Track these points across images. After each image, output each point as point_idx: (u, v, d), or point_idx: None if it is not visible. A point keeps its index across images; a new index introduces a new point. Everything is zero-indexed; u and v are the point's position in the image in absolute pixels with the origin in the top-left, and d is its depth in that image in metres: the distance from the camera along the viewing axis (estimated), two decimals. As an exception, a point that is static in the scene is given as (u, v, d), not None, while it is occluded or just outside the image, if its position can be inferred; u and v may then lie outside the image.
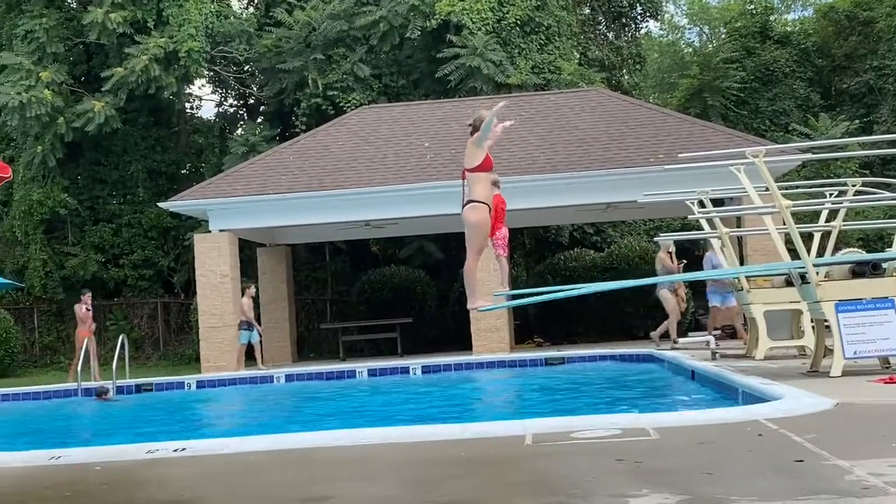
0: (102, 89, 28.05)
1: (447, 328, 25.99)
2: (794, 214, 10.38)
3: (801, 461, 5.21)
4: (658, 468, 5.43)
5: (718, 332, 20.28)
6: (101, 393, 15.76)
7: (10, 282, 27.89)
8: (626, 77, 35.50)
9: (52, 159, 27.94)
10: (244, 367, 20.25)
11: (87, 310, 20.65)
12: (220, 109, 35.65)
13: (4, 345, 26.47)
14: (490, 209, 9.17)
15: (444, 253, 27.77)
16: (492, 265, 11.86)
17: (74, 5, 30.98)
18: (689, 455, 5.82)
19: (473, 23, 27.74)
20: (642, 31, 38.90)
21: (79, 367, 17.70)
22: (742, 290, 13.64)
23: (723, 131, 22.42)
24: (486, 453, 6.40)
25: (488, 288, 17.47)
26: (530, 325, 26.03)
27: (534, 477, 5.45)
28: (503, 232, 11.10)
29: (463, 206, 9.14)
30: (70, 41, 29.39)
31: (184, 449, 7.00)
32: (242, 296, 21.07)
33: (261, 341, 21.24)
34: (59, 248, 29.86)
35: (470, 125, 9.17)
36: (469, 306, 9.74)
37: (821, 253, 13.17)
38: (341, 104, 28.31)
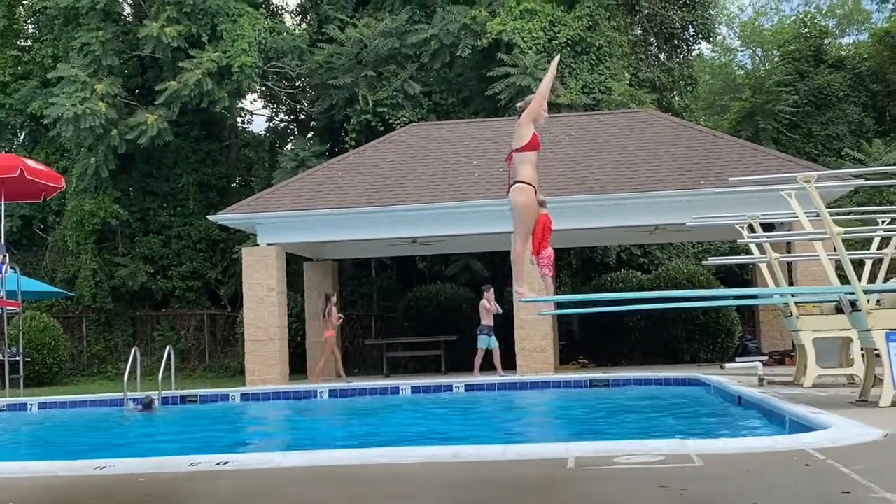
0: (156, 102, 28.42)
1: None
2: (845, 241, 10.24)
3: (849, 493, 5.12)
4: (702, 496, 5.36)
5: (766, 357, 20.10)
6: (147, 404, 15.85)
7: (61, 290, 28.31)
8: (677, 99, 35.33)
9: (104, 170, 28.31)
10: (479, 373, 20.13)
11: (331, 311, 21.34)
12: (271, 124, 35.97)
13: (53, 353, 26.78)
14: (536, 190, 9.09)
15: (490, 271, 27.73)
16: (538, 284, 11.82)
17: (130, 19, 31.46)
18: (734, 483, 5.74)
19: (524, 42, 27.77)
20: (694, 53, 38.71)
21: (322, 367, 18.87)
22: (791, 315, 13.47)
23: (774, 155, 22.23)
24: (529, 475, 6.36)
25: (533, 307, 17.47)
26: (575, 346, 25.91)
27: (576, 501, 5.40)
28: (549, 252, 11.05)
29: (509, 188, 9.09)
30: (125, 54, 29.81)
31: (226, 462, 7.02)
32: (481, 298, 20.95)
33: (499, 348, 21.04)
34: (110, 258, 30.23)
35: (520, 107, 9.17)
36: (516, 289, 9.68)
37: (872, 280, 12.99)
38: (391, 121, 28.44)
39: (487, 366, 20.90)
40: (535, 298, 10.91)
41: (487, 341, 20.66)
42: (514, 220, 9.06)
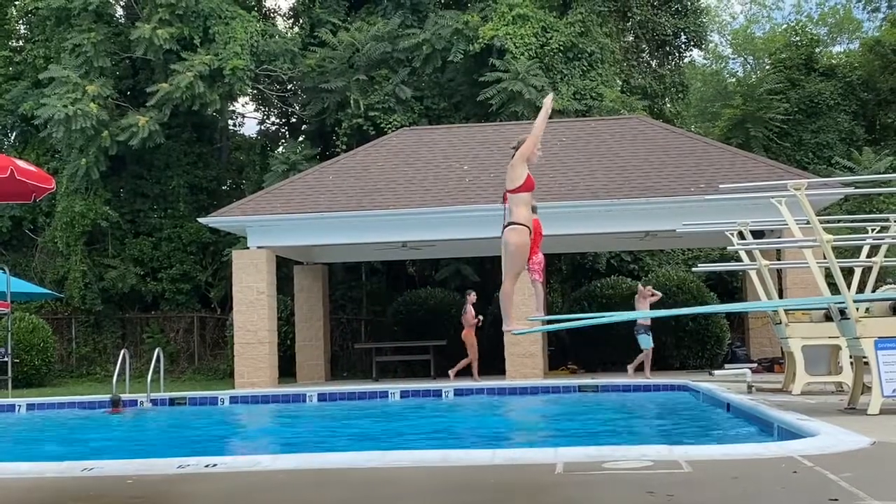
0: (147, 104, 28.37)
1: (481, 352, 25.84)
2: (834, 249, 10.27)
3: (836, 500, 5.13)
4: (690, 502, 5.37)
5: (755, 364, 20.16)
6: (115, 402, 15.83)
7: (50, 291, 28.23)
8: (669, 105, 35.41)
9: (95, 172, 28.23)
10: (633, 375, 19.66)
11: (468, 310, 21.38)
12: (263, 127, 35.94)
13: (42, 354, 26.69)
14: (531, 232, 9.13)
15: (480, 276, 27.74)
16: (527, 290, 11.83)
17: (123, 21, 31.39)
18: (722, 490, 5.75)
19: (516, 47, 27.80)
20: (686, 60, 38.79)
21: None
22: (780, 323, 13.50)
23: (765, 163, 22.28)
24: (517, 480, 6.36)
25: (524, 312, 17.46)
26: (565, 352, 25.93)
27: (564, 506, 5.41)
28: (539, 257, 11.05)
29: (503, 228, 9.10)
30: (117, 56, 29.75)
31: (215, 465, 7.01)
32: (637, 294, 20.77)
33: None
34: (99, 259, 30.13)
35: (514, 147, 9.16)
36: (504, 328, 9.70)
37: (861, 288, 13.03)
38: (382, 125, 28.44)
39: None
40: (524, 331, 10.95)
41: (649, 340, 20.23)
42: (506, 260, 9.07)
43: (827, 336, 12.71)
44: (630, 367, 20.05)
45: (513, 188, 9.02)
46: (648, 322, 20.03)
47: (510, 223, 9.01)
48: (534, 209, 10.50)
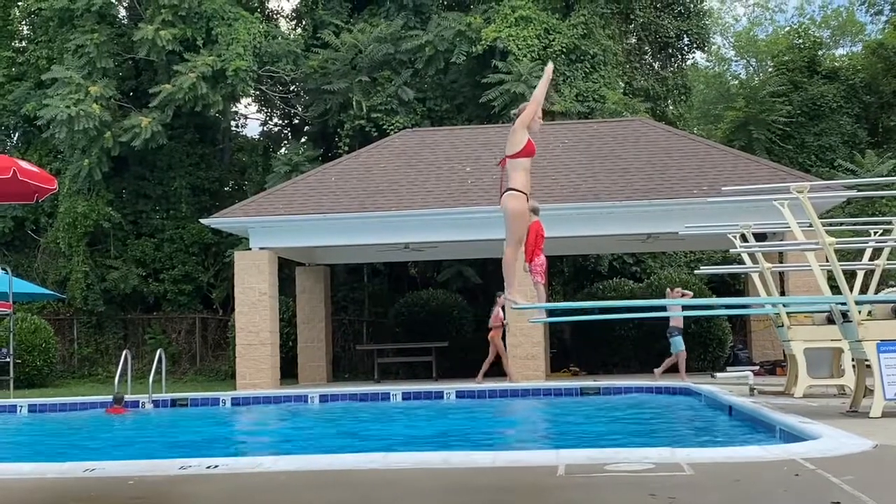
0: (150, 105, 28.38)
1: (483, 353, 25.88)
2: (837, 252, 10.26)
3: (838, 503, 5.13)
4: (692, 505, 5.36)
5: (757, 367, 20.14)
6: (118, 400, 15.85)
7: (52, 292, 28.24)
8: (671, 108, 35.39)
9: (97, 173, 28.25)
10: (661, 377, 19.40)
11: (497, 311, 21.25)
12: (265, 128, 35.95)
13: (44, 354, 26.70)
14: (528, 197, 9.09)
15: (481, 278, 27.74)
16: (529, 292, 11.82)
17: (125, 22, 31.42)
18: (724, 492, 5.74)
19: (519, 49, 27.80)
20: (688, 63, 38.76)
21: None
22: (782, 326, 13.49)
23: (767, 165, 22.27)
24: (518, 482, 6.36)
25: (525, 312, 17.49)
26: (567, 354, 25.91)
27: (566, 508, 5.40)
28: (541, 259, 11.06)
29: (501, 194, 9.09)
30: (120, 57, 29.78)
31: (217, 466, 7.01)
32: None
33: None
34: (102, 260, 30.14)
35: (515, 115, 9.17)
36: (506, 296, 9.66)
37: (863, 291, 13.02)
38: (385, 126, 28.44)
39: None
40: (528, 305, 10.89)
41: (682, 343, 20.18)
42: (506, 227, 9.06)
43: (829, 339, 12.70)
44: (658, 371, 19.88)
45: (512, 153, 9.02)
46: (681, 324, 20.07)
47: (508, 189, 9.00)
48: (536, 211, 10.51)
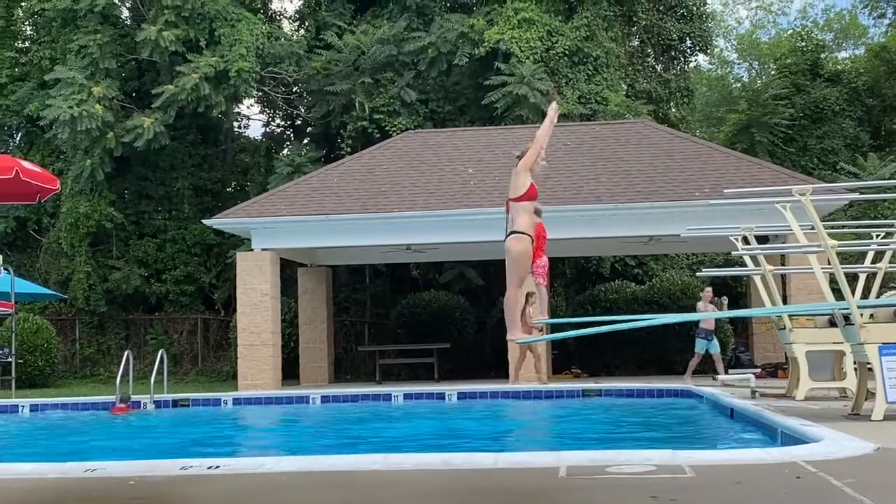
0: (152, 106, 28.40)
1: (484, 355, 25.95)
2: (839, 254, 10.26)
3: (840, 506, 5.12)
4: (693, 507, 5.36)
5: (759, 369, 20.12)
6: (124, 399, 15.87)
7: (54, 292, 28.26)
8: (674, 110, 35.39)
9: (100, 173, 28.28)
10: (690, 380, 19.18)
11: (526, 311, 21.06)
12: (268, 129, 35.96)
13: (45, 355, 26.72)
14: (533, 240, 9.15)
15: (484, 279, 27.75)
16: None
17: (129, 22, 31.44)
18: (725, 495, 5.74)
19: (522, 51, 27.81)
20: (691, 65, 38.75)
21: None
22: (784, 328, 13.48)
23: (769, 168, 22.27)
24: (520, 484, 6.35)
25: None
26: (568, 356, 25.91)
27: (567, 510, 5.40)
28: (543, 261, 11.06)
29: (506, 236, 9.13)
30: (123, 57, 29.81)
31: (218, 466, 7.00)
32: (699, 301, 20.68)
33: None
34: (104, 261, 30.16)
35: (517, 157, 9.17)
36: (508, 337, 9.68)
37: (865, 294, 13.01)
38: (387, 128, 28.46)
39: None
40: (529, 339, 10.96)
41: (706, 345, 20.13)
42: (509, 268, 9.10)
43: (831, 342, 12.68)
44: (687, 376, 19.81)
45: (515, 196, 9.06)
46: (712, 326, 20.08)
47: (512, 232, 9.04)
48: (538, 212, 10.51)
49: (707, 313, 19.77)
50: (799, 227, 12.05)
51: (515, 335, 9.50)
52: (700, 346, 20.12)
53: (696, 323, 20.56)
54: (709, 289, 21.02)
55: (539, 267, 10.97)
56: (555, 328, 19.39)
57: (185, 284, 30.36)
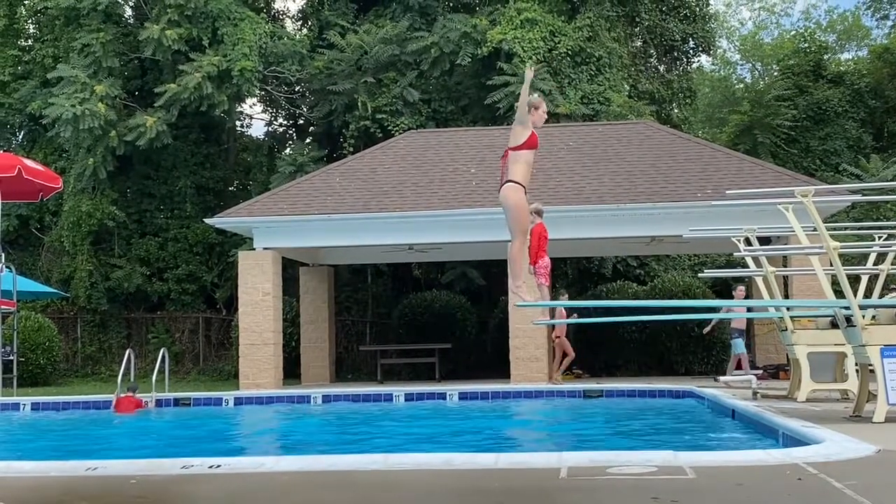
0: (155, 105, 28.40)
1: (486, 355, 25.93)
2: (841, 256, 10.25)
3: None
4: (694, 508, 5.36)
5: (760, 371, 20.09)
6: (132, 389, 15.93)
7: (56, 291, 28.27)
8: (676, 111, 35.37)
9: (102, 172, 28.29)
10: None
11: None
12: (270, 129, 35.96)
13: (47, 353, 26.72)
14: (526, 191, 9.15)
15: (486, 279, 27.74)
16: (532, 292, 11.81)
17: (131, 21, 31.45)
18: (726, 496, 5.74)
19: (524, 51, 27.80)
20: (694, 66, 38.75)
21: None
22: (786, 330, 13.48)
23: (772, 169, 22.25)
24: (521, 484, 6.35)
25: (531, 312, 17.51)
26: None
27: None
28: (545, 261, 11.06)
29: (500, 186, 9.15)
30: (125, 56, 29.81)
31: (219, 466, 7.01)
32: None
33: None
34: (106, 259, 30.18)
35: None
36: (512, 288, 9.68)
37: (867, 296, 13.00)
38: (389, 128, 28.45)
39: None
40: (532, 304, 10.88)
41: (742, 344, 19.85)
42: (508, 219, 9.13)
43: (833, 343, 12.68)
44: (728, 378, 19.72)
45: (514, 145, 9.08)
46: (743, 325, 20.03)
47: (508, 180, 9.07)
48: (539, 213, 10.53)
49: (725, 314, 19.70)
50: (801, 228, 12.04)
51: (521, 289, 9.47)
52: (738, 346, 19.92)
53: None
54: (741, 287, 20.94)
55: (541, 268, 10.98)
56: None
57: (186, 283, 30.36)
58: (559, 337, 21.40)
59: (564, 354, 21.55)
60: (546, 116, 9.44)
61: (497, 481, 6.40)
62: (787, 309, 13.69)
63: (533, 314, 16.55)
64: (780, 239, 18.30)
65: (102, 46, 28.42)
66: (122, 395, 15.82)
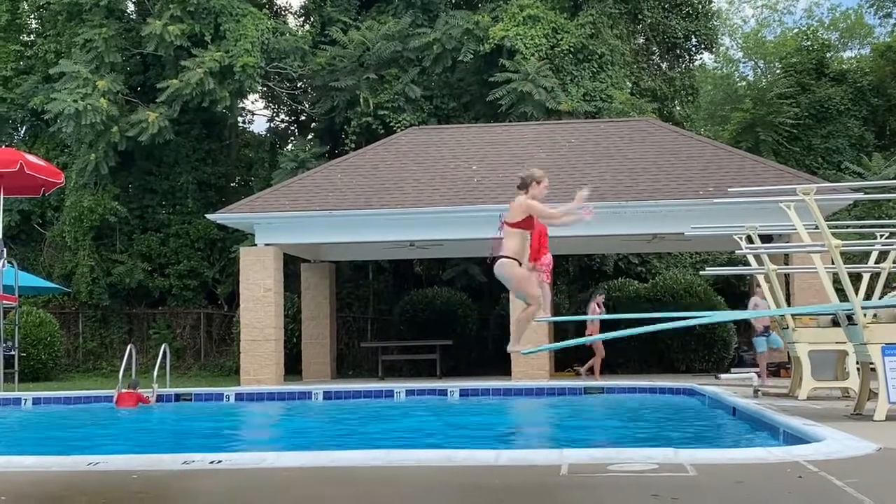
0: (157, 100, 28.40)
1: (487, 351, 25.93)
2: (843, 254, 10.25)
3: (842, 506, 5.12)
4: (694, 505, 5.36)
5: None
6: (133, 386, 15.96)
7: (58, 286, 28.28)
8: (678, 108, 35.36)
9: (104, 167, 28.30)
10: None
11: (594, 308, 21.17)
12: (272, 125, 35.96)
13: (49, 348, 26.72)
14: (520, 263, 9.28)
15: (487, 276, 27.70)
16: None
17: (134, 17, 31.44)
18: (727, 494, 5.74)
19: (527, 48, 27.79)
20: (696, 63, 38.74)
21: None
22: (787, 328, 13.47)
23: (774, 167, 22.23)
24: (522, 481, 6.35)
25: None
26: (570, 354, 25.86)
27: (568, 508, 5.40)
28: (548, 258, 11.08)
29: (493, 260, 9.31)
30: (128, 52, 29.80)
31: (220, 461, 7.01)
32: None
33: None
34: (107, 255, 30.20)
35: (518, 186, 9.34)
36: (509, 348, 9.82)
37: (869, 294, 13.00)
38: (391, 124, 28.45)
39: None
40: (531, 350, 11.10)
41: (767, 342, 19.21)
42: (514, 290, 9.38)
43: (834, 341, 12.68)
44: (762, 378, 19.69)
45: (511, 222, 9.27)
46: (768, 322, 19.91)
47: (500, 256, 9.23)
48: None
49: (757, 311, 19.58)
50: (803, 226, 12.04)
51: (517, 347, 9.64)
52: (771, 342, 19.71)
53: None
54: (759, 289, 20.82)
55: (543, 265, 10.99)
56: (556, 325, 19.37)
57: (188, 279, 30.37)
58: (592, 333, 21.38)
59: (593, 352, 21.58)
60: (546, 192, 9.60)
61: (498, 478, 6.40)
62: (788, 304, 13.69)
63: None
64: (781, 237, 18.30)
65: (105, 42, 28.42)
66: (124, 390, 15.83)
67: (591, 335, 21.32)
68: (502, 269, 9.16)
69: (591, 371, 21.64)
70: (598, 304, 21.37)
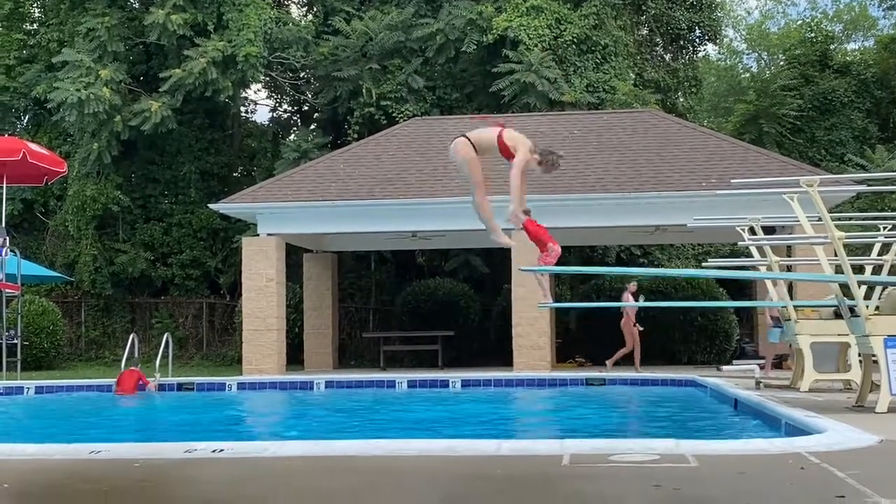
0: (160, 90, 28.37)
1: (488, 342, 25.95)
2: (845, 246, 10.24)
3: (843, 497, 5.12)
4: (695, 496, 5.37)
5: (764, 360, 20.09)
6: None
7: (60, 275, 28.30)
8: (682, 100, 35.31)
9: (107, 156, 28.30)
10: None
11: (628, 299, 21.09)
12: (275, 114, 35.93)
13: (51, 337, 26.73)
14: (476, 149, 9.32)
15: (489, 267, 27.74)
16: (533, 278, 11.82)
17: (137, 6, 31.40)
18: (729, 484, 5.74)
19: (530, 39, 27.73)
20: (700, 55, 38.66)
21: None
22: (789, 320, 13.48)
23: (777, 159, 22.21)
24: (524, 472, 6.36)
25: (533, 299, 17.51)
26: (572, 344, 25.89)
27: (570, 499, 5.41)
28: (557, 248, 11.05)
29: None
30: (130, 41, 29.76)
31: (222, 450, 7.02)
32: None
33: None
34: (110, 244, 30.21)
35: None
36: (494, 238, 9.94)
37: (871, 286, 12.98)
38: (394, 114, 28.41)
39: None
40: (535, 268, 11.05)
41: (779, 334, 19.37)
42: (463, 174, 9.56)
43: (836, 333, 12.69)
44: (766, 370, 19.67)
45: (500, 136, 9.34)
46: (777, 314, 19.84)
47: (462, 134, 9.41)
48: (527, 212, 10.59)
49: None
50: (806, 218, 12.04)
51: (501, 239, 9.71)
52: (772, 336, 19.63)
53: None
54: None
55: (552, 255, 10.96)
56: (558, 315, 19.37)
57: (190, 269, 30.38)
58: (627, 325, 21.38)
59: (623, 343, 21.54)
60: (534, 165, 9.70)
61: (499, 468, 6.41)
62: (791, 296, 13.69)
63: (536, 298, 16.51)
64: (784, 228, 18.28)
65: (107, 31, 28.38)
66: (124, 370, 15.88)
67: (625, 325, 21.35)
68: (456, 147, 9.36)
69: (616, 363, 21.52)
70: (630, 294, 21.29)
